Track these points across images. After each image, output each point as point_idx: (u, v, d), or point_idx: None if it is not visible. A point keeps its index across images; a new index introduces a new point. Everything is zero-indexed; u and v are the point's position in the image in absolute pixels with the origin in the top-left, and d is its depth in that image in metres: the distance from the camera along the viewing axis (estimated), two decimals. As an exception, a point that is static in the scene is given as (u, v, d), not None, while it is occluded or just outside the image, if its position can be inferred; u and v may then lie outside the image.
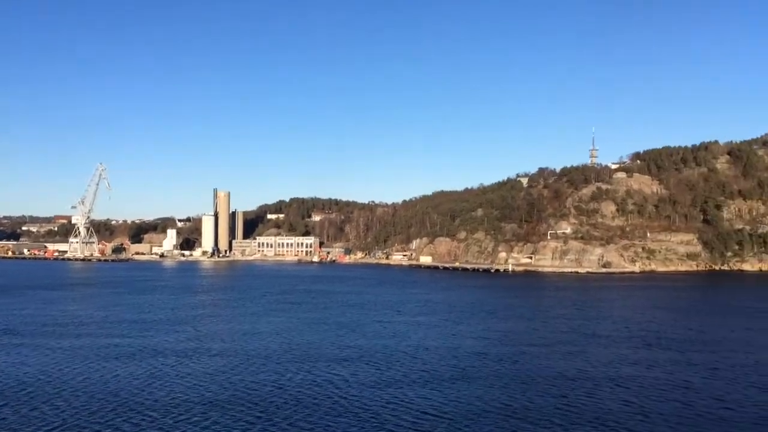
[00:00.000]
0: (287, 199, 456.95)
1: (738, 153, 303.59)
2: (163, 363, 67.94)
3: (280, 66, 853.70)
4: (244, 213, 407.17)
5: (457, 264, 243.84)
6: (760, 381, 60.59)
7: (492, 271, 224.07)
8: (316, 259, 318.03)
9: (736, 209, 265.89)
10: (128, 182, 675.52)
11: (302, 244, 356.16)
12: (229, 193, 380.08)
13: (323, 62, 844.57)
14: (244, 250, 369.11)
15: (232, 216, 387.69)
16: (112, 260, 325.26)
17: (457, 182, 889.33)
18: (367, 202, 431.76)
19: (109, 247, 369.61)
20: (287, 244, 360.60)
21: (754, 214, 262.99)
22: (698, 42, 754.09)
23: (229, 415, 49.29)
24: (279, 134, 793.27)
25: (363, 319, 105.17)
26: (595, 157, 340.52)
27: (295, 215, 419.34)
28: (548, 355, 73.74)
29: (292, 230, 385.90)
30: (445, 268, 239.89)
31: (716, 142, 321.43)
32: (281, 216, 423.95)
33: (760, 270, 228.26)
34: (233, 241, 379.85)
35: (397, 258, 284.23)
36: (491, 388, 57.70)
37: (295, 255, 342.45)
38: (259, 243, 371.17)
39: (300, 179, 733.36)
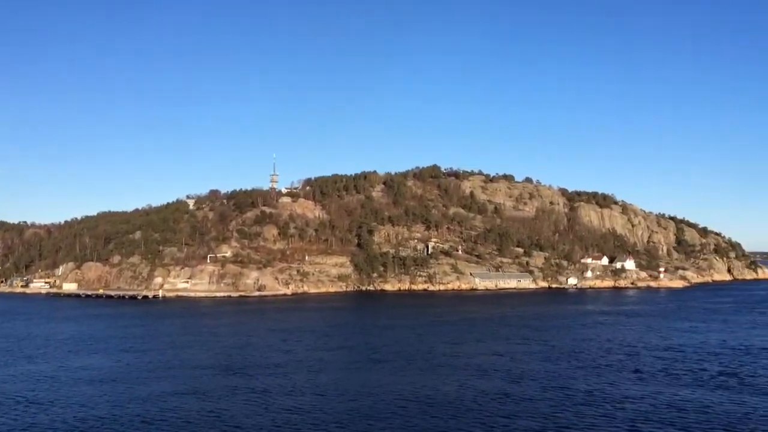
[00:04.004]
0: None
1: (391, 183, 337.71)
2: None
3: None
4: None
5: (101, 291, 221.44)
6: (289, 403, 60.53)
7: (139, 297, 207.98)
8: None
9: (386, 234, 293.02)
10: None
11: None
12: None
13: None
14: None
15: None
16: None
17: (130, 203, 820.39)
18: (18, 222, 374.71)
19: None
20: None
21: (399, 238, 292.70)
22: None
23: None
24: None
25: None
26: (276, 182, 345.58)
27: None
28: (112, 391, 65.74)
29: None
30: (88, 296, 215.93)
31: (375, 172, 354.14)
32: None
33: (399, 289, 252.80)
34: None
35: (37, 286, 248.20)
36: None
37: None
38: None
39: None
